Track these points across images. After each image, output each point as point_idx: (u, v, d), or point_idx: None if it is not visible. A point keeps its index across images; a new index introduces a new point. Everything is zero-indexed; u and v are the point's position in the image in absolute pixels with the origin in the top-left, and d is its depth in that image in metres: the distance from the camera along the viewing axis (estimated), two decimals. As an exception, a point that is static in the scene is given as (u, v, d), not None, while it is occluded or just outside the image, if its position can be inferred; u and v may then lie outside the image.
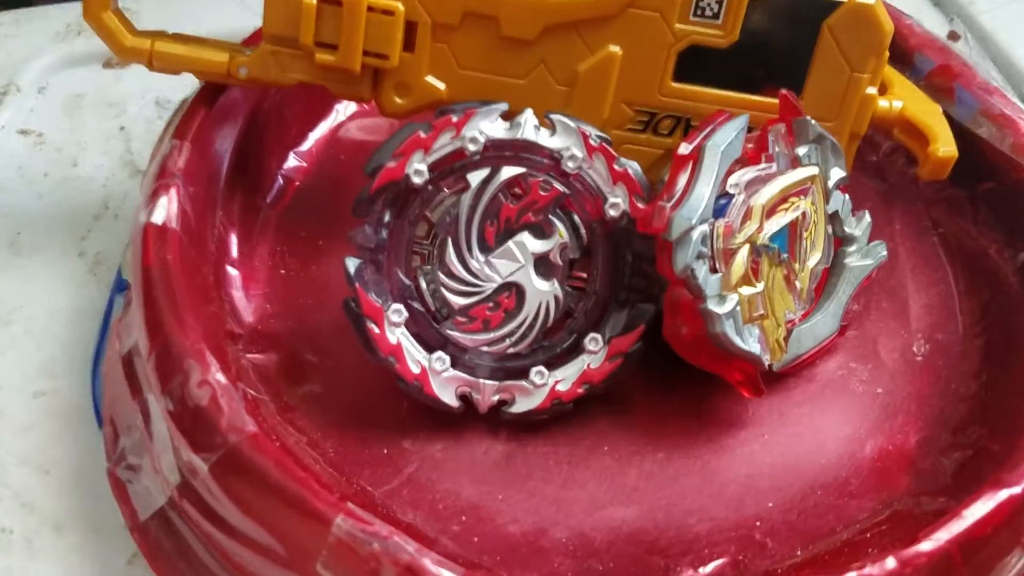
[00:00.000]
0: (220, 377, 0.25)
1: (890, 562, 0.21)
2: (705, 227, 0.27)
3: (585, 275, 0.29)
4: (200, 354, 0.25)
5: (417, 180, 0.27)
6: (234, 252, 0.32)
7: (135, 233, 0.28)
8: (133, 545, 0.26)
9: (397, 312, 0.28)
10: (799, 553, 0.24)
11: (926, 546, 0.22)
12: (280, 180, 0.34)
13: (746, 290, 0.28)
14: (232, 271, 0.31)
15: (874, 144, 0.37)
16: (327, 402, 0.29)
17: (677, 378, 0.29)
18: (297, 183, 0.35)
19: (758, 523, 0.26)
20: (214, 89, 0.32)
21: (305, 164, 0.35)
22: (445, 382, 0.28)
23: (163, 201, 0.28)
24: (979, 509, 0.22)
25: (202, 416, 0.24)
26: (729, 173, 0.28)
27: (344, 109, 0.37)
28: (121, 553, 0.27)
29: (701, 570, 0.24)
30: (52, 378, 0.30)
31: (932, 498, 0.26)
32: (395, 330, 0.28)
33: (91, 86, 0.39)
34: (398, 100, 0.30)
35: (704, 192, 0.27)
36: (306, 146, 0.36)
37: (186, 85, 0.31)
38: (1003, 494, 0.23)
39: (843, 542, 0.26)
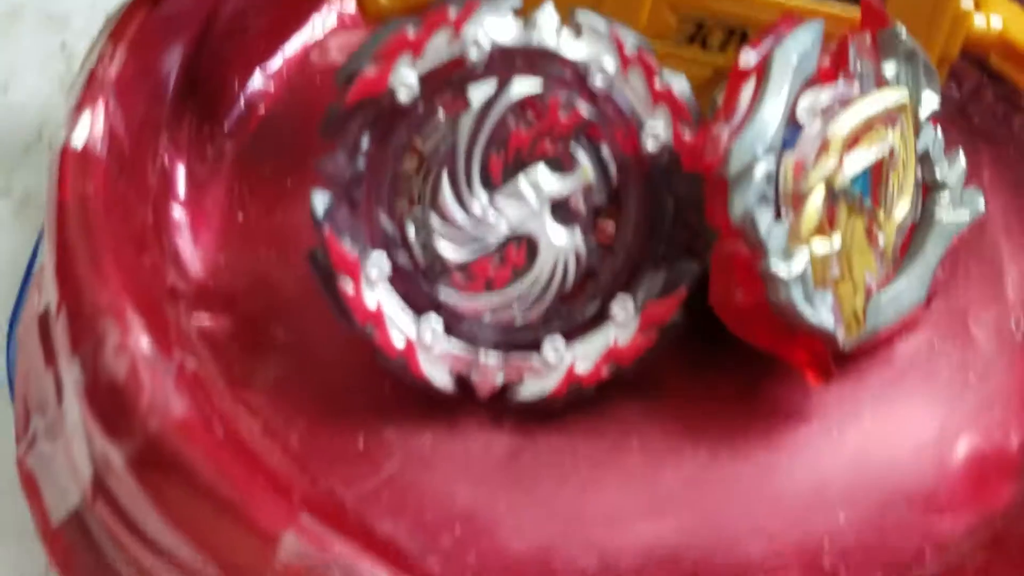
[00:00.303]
0: (144, 342, 0.19)
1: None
2: (770, 161, 0.21)
3: (614, 223, 0.23)
4: (119, 311, 0.19)
5: (404, 96, 0.21)
6: (181, 190, 0.26)
7: (51, 159, 0.23)
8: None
9: (377, 266, 0.22)
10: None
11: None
12: (242, 104, 0.28)
13: (819, 245, 0.22)
14: (178, 213, 0.25)
15: (957, 76, 0.30)
16: (292, 379, 0.23)
17: (725, 357, 0.24)
18: (262, 109, 0.29)
19: (826, 543, 0.21)
20: (158, -14, 0.26)
21: (273, 86, 0.29)
22: (437, 358, 0.22)
23: (86, 119, 0.23)
24: None
25: (118, 392, 0.19)
26: (799, 95, 0.22)
27: (323, 21, 0.30)
28: (37, 562, 0.21)
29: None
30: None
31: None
32: (375, 289, 0.22)
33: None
34: None
35: (773, 115, 0.21)
36: (275, 64, 0.29)
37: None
38: None
39: (936, 569, 0.20)
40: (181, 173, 0.26)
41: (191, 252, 0.25)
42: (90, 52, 0.25)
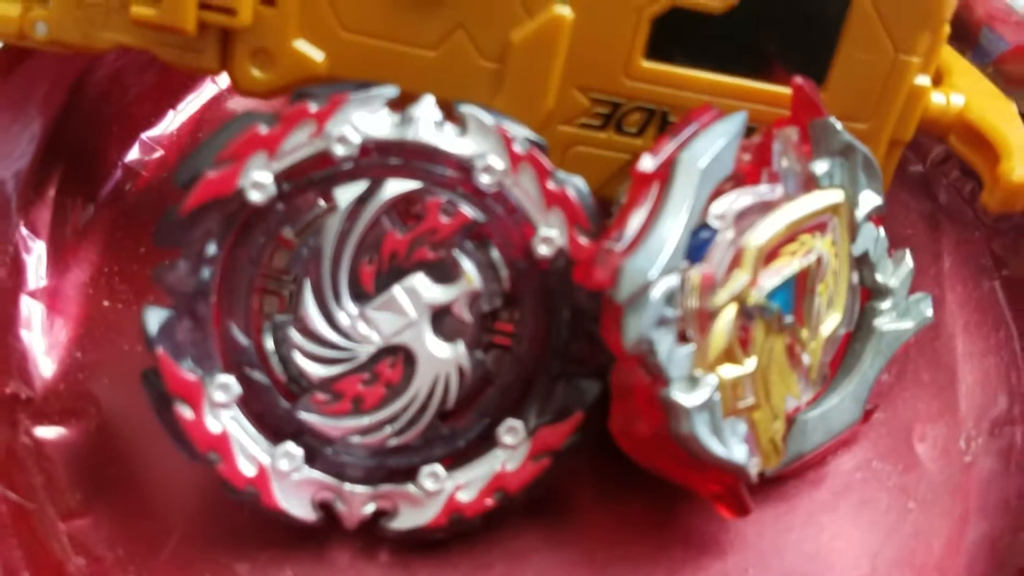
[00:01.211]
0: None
1: None
2: (672, 280, 0.19)
3: (506, 340, 0.21)
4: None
5: (256, 197, 0.19)
6: (34, 278, 0.23)
7: None
8: None
9: (223, 388, 0.19)
10: None
11: None
12: (119, 172, 0.26)
13: (729, 370, 0.19)
14: (31, 303, 0.23)
15: (919, 149, 0.28)
16: (139, 503, 0.21)
17: (632, 483, 0.21)
18: (145, 176, 0.26)
19: None
20: (16, 51, 0.23)
21: (161, 151, 0.26)
22: (295, 487, 0.20)
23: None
24: None
25: None
26: (715, 196, 0.20)
27: (222, 77, 0.28)
28: None
29: None
30: None
31: None
32: (220, 413, 0.19)
33: None
34: (257, 73, 0.22)
35: (672, 231, 0.18)
36: (163, 128, 0.27)
37: None
38: None
39: None
40: (38, 258, 0.23)
41: (43, 351, 0.23)
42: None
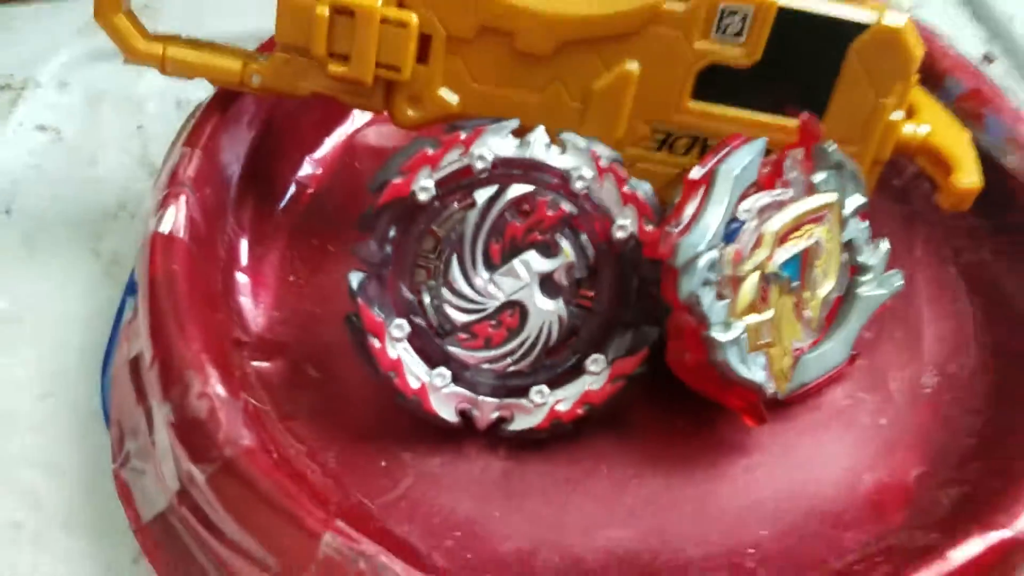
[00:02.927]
0: (220, 389, 0.25)
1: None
2: (713, 253, 0.27)
3: (591, 294, 0.29)
4: (200, 365, 0.25)
5: (423, 197, 0.27)
6: (244, 259, 0.32)
7: (143, 241, 0.29)
8: (137, 545, 0.27)
9: (399, 327, 0.28)
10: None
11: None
12: (294, 186, 0.35)
13: (753, 318, 0.28)
14: (242, 278, 0.32)
15: (898, 167, 0.36)
16: (329, 413, 0.29)
17: (680, 402, 0.29)
18: (311, 189, 0.35)
19: (751, 551, 0.26)
20: (227, 94, 0.32)
21: (320, 171, 0.35)
22: (445, 398, 0.28)
23: (171, 210, 0.29)
24: (966, 551, 0.22)
25: (200, 428, 0.25)
26: (743, 198, 0.28)
27: (361, 115, 0.37)
28: (126, 553, 0.27)
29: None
30: (63, 377, 0.31)
31: (925, 533, 0.25)
32: (396, 345, 0.28)
33: (111, 83, 0.39)
34: (411, 112, 0.30)
35: (713, 219, 0.27)
36: (321, 152, 0.36)
37: (207, 87, 0.32)
38: (992, 536, 0.22)
39: (834, 572, 0.26)
40: (244, 245, 0.32)
41: (252, 309, 0.31)
42: (171, 151, 0.31)
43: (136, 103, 0.38)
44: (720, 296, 0.27)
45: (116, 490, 0.28)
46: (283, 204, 0.34)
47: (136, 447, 0.27)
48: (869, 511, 0.27)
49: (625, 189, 0.28)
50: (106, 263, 0.34)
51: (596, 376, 0.29)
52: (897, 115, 0.30)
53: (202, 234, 0.29)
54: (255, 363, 0.30)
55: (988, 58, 0.41)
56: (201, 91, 0.33)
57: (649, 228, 0.28)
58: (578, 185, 0.28)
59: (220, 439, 0.24)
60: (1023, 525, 0.24)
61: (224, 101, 0.31)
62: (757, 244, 0.28)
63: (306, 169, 0.35)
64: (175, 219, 0.28)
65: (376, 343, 0.28)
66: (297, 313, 0.32)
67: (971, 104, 0.34)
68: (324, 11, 0.28)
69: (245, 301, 0.31)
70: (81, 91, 0.39)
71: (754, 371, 0.28)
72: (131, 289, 0.32)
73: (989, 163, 0.31)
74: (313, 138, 0.35)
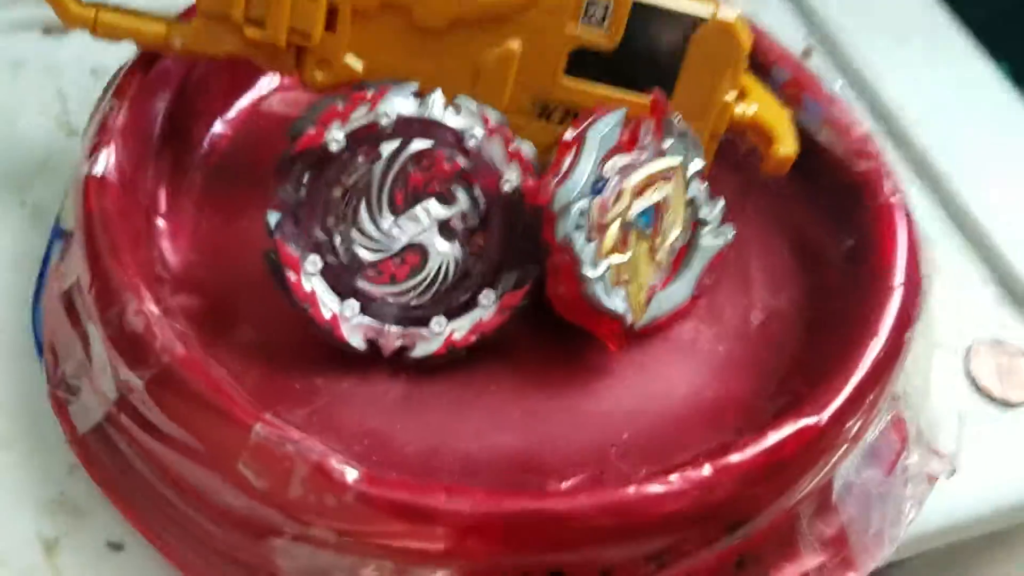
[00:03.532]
0: (153, 308, 0.28)
1: (706, 468, 0.27)
2: (584, 202, 0.32)
3: (482, 244, 0.33)
4: (136, 287, 0.29)
5: (334, 147, 0.31)
6: (163, 206, 0.35)
7: (76, 183, 0.31)
8: (73, 457, 0.29)
9: (312, 263, 0.32)
10: (643, 470, 0.29)
11: (735, 457, 0.27)
12: (206, 144, 0.38)
13: (615, 258, 0.33)
14: (160, 222, 0.35)
15: (735, 145, 0.42)
16: (247, 343, 0.33)
17: (556, 331, 0.34)
18: (222, 148, 0.38)
19: (613, 448, 0.32)
20: (149, 57, 0.35)
21: (229, 131, 0.38)
22: (354, 327, 0.32)
23: (103, 155, 0.32)
24: (780, 434, 0.28)
25: (138, 340, 0.28)
26: (607, 159, 0.33)
27: (268, 83, 0.40)
28: (62, 464, 0.30)
29: (564, 483, 0.29)
30: (-7, 312, 0.33)
31: (752, 431, 0.31)
32: (310, 279, 0.32)
33: (31, 51, 0.41)
34: (319, 75, 0.34)
35: (584, 171, 0.32)
36: (231, 115, 0.39)
37: (120, 57, 0.34)
38: (802, 423, 0.28)
39: (678, 462, 0.31)
40: (163, 194, 0.35)
41: (171, 252, 0.34)
42: (99, 103, 0.34)
43: (55, 69, 0.41)
44: (589, 239, 0.32)
45: (52, 408, 0.30)
46: (197, 159, 0.37)
47: (71, 368, 0.30)
48: (709, 418, 0.33)
49: (510, 147, 0.33)
50: (31, 212, 0.36)
51: (487, 308, 0.33)
52: (730, 96, 0.37)
53: (127, 179, 0.32)
54: (176, 298, 0.33)
55: (808, 52, 0.49)
56: (116, 60, 0.36)
57: (531, 181, 0.33)
58: (471, 143, 0.33)
59: (157, 348, 0.27)
60: (827, 416, 0.30)
61: (147, 62, 0.34)
62: (618, 197, 0.33)
63: (217, 129, 0.38)
64: (106, 163, 0.31)
65: (292, 276, 0.31)
66: (212, 256, 0.35)
67: (792, 89, 0.40)
68: (245, -18, 0.32)
69: (165, 244, 0.34)
70: (3, 59, 0.41)
71: (616, 303, 0.33)
72: (56, 234, 0.34)
73: (806, 138, 0.38)
74: (224, 102, 0.39)
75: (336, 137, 0.31)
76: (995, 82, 0.51)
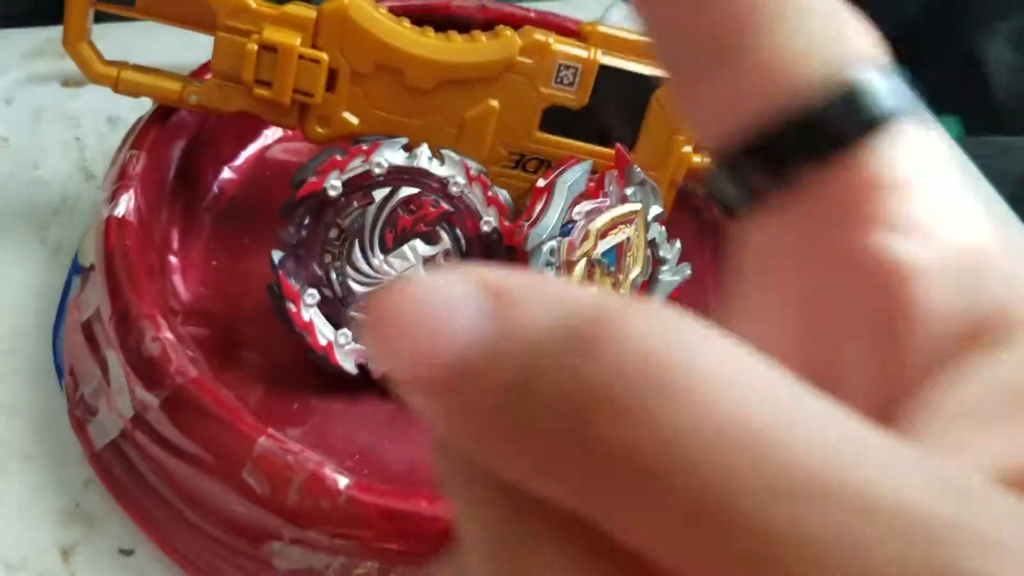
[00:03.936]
0: (169, 335, 0.32)
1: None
2: (553, 243, 0.36)
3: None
4: (153, 316, 0.32)
5: (333, 193, 0.35)
6: (175, 244, 0.39)
7: (99, 223, 0.35)
8: (90, 471, 0.33)
9: (311, 295, 0.35)
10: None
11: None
12: (215, 189, 0.42)
13: (582, 293, 0.37)
14: (173, 259, 0.38)
15: (694, 193, 0.46)
16: (250, 368, 0.36)
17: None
18: (229, 193, 0.42)
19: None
20: (165, 110, 0.39)
21: (236, 177, 0.42)
22: (347, 353, 0.36)
23: (124, 199, 0.35)
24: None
25: (154, 363, 0.31)
26: (575, 204, 0.37)
27: (272, 134, 0.44)
28: (79, 478, 0.33)
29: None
30: (19, 340, 0.36)
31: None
32: (308, 310, 0.35)
33: (51, 101, 0.45)
34: (320, 130, 0.38)
35: (553, 216, 0.36)
36: (238, 162, 0.43)
37: (134, 107, 0.38)
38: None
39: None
40: (175, 234, 0.39)
41: (182, 286, 0.38)
42: (119, 152, 0.38)
43: (73, 118, 0.45)
44: (558, 275, 0.36)
45: (71, 427, 0.33)
46: (206, 203, 0.41)
47: (90, 390, 0.33)
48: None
49: (489, 193, 0.37)
50: (52, 250, 0.40)
51: (465, 338, 0.37)
52: (688, 148, 0.41)
53: (144, 220, 0.36)
54: (186, 328, 0.36)
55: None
56: (128, 110, 0.40)
57: (507, 223, 0.37)
58: (454, 189, 0.37)
59: (171, 371, 0.31)
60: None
61: (163, 115, 0.38)
62: (585, 237, 0.37)
63: (225, 175, 0.42)
64: (126, 206, 0.35)
65: (292, 307, 0.35)
66: (220, 290, 0.38)
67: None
68: (253, 47, 0.36)
69: (176, 278, 0.38)
70: (25, 107, 0.44)
71: (583, 333, 0.37)
72: (75, 270, 0.38)
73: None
74: (232, 151, 0.43)
75: (334, 184, 0.35)
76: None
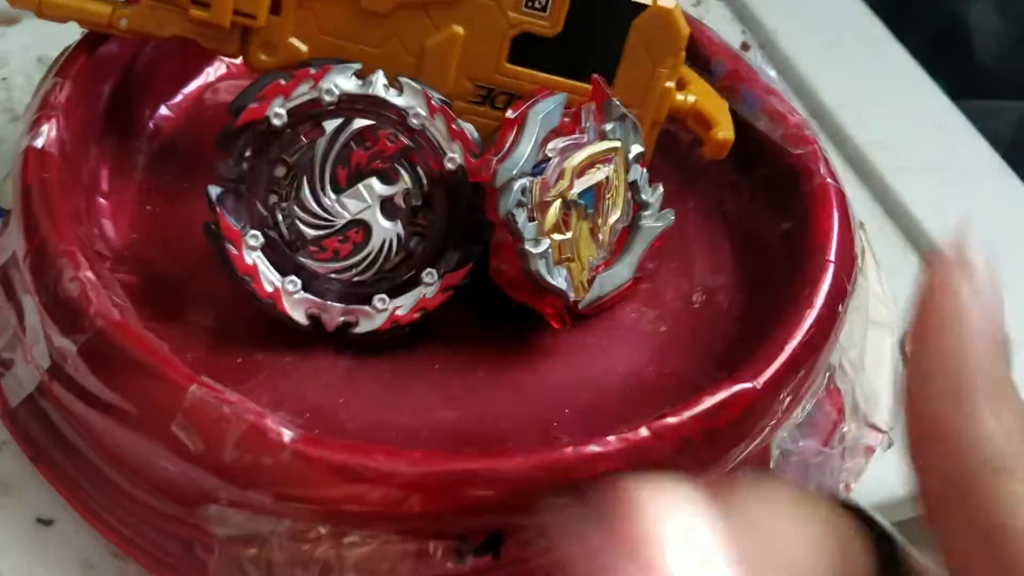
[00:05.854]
0: (90, 274, 0.28)
1: (643, 430, 0.27)
2: (525, 181, 0.32)
3: (425, 222, 0.34)
4: (72, 254, 0.28)
5: (276, 122, 0.32)
6: (105, 185, 0.35)
7: (16, 156, 0.31)
8: (4, 433, 0.29)
9: (254, 237, 0.32)
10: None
11: (671, 419, 0.27)
12: (150, 127, 0.38)
13: (557, 236, 0.33)
14: (102, 201, 0.34)
15: (677, 139, 0.43)
16: (187, 319, 0.32)
17: (501, 312, 0.34)
18: (167, 133, 0.38)
19: (555, 423, 0.32)
20: (95, 39, 0.35)
21: (175, 116, 0.39)
22: (296, 303, 0.32)
23: (44, 129, 0.31)
24: (717, 397, 0.29)
25: (72, 305, 0.27)
26: (547, 141, 0.34)
27: (214, 71, 0.40)
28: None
29: (504, 451, 0.29)
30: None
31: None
32: (251, 253, 0.32)
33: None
34: (264, 57, 0.34)
35: (525, 149, 0.33)
36: (176, 100, 0.39)
37: (65, 42, 0.34)
38: (738, 387, 0.29)
39: (619, 435, 0.31)
40: (105, 174, 0.35)
41: (112, 230, 0.34)
42: (42, 82, 0.34)
43: (0, 59, 0.40)
44: (531, 218, 0.33)
45: (-19, 381, 0.30)
46: (141, 142, 0.37)
47: (4, 342, 0.29)
48: (651, 394, 0.34)
49: (453, 126, 0.34)
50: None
51: (430, 286, 0.34)
52: (670, 84, 0.38)
53: (68, 155, 0.32)
54: (116, 274, 0.33)
55: (745, 46, 0.51)
56: (59, 49, 0.36)
57: (473, 160, 0.34)
58: (414, 122, 0.33)
59: (91, 312, 0.27)
60: (762, 381, 0.30)
61: (93, 43, 0.34)
62: (559, 176, 0.34)
63: (162, 113, 0.38)
64: (47, 136, 0.31)
65: (233, 249, 0.31)
66: (154, 236, 0.35)
67: (731, 81, 0.42)
68: (190, -38, 0.32)
69: (106, 222, 0.34)
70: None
71: (558, 280, 0.33)
72: (-5, 212, 0.34)
73: (745, 127, 0.39)
74: (170, 88, 0.39)
75: (278, 112, 0.31)
76: (926, 84, 0.53)
